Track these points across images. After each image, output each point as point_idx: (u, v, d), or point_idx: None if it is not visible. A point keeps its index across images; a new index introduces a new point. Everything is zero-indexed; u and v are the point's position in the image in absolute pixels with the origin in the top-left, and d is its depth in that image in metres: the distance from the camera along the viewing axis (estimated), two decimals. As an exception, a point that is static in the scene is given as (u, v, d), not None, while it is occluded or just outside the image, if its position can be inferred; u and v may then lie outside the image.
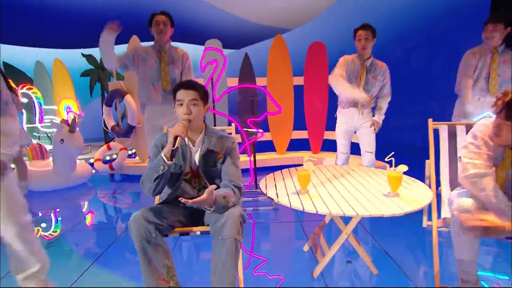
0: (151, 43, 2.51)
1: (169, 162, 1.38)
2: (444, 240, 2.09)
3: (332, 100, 4.08)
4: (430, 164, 1.81)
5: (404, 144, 5.04)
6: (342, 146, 2.62)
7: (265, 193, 1.60)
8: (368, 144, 2.52)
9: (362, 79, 2.42)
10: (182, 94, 1.49)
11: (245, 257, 1.92)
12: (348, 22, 4.45)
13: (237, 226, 1.31)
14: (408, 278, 1.69)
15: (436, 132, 1.84)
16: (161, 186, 1.43)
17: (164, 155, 1.38)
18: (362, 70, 2.43)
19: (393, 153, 1.52)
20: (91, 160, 4.12)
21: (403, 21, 4.97)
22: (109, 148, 4.09)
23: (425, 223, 1.94)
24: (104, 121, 4.18)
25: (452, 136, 1.86)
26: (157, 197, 1.79)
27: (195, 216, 1.55)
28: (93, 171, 3.94)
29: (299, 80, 4.09)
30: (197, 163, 1.54)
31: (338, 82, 2.40)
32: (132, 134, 4.00)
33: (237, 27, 6.00)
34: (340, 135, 2.63)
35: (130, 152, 4.49)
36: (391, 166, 1.52)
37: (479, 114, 2.56)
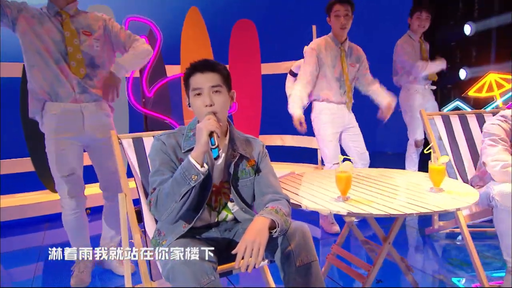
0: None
1: (202, 169, 1.39)
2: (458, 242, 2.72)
3: (268, 96, 4.51)
4: (436, 158, 2.36)
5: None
6: (331, 156, 2.88)
7: (301, 204, 1.74)
8: (360, 147, 2.95)
9: (345, 68, 2.84)
10: (198, 80, 1.52)
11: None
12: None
13: (312, 243, 1.44)
14: (447, 283, 2.16)
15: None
16: (186, 205, 1.43)
17: (195, 160, 1.38)
18: (342, 56, 2.84)
19: (431, 144, 1.96)
20: None
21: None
22: None
23: (436, 224, 2.51)
24: None
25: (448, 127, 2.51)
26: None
27: (222, 249, 1.54)
28: None
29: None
30: (221, 173, 1.58)
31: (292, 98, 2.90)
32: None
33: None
34: (327, 140, 2.90)
35: None
36: (430, 159, 1.94)
37: (426, 107, 3.45)
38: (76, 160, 2.25)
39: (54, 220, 3.41)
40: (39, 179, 3.61)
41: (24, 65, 2.59)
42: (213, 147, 1.39)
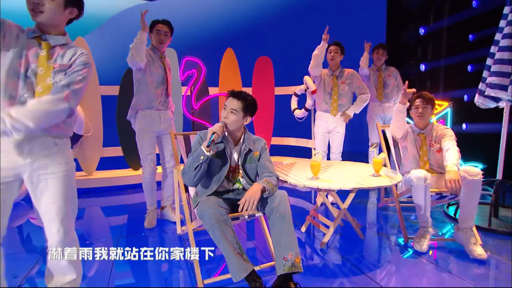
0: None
1: (207, 154, 1.63)
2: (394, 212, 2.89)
3: (279, 110, 4.74)
4: (385, 155, 2.56)
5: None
6: (318, 147, 3.11)
7: (287, 181, 2.00)
8: (336, 147, 3.08)
9: (335, 86, 3.04)
10: (229, 101, 1.75)
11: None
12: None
13: (288, 203, 1.67)
14: (383, 237, 2.36)
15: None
16: (199, 175, 1.67)
17: (204, 148, 1.64)
18: (333, 77, 3.05)
19: (375, 144, 2.17)
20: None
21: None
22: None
23: (382, 199, 2.69)
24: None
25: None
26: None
27: (234, 205, 1.81)
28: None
29: (247, 91, 4.57)
30: (236, 160, 1.83)
31: None
32: (77, 144, 3.66)
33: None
34: (317, 136, 3.14)
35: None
36: (373, 154, 2.16)
37: (385, 118, 3.58)
38: (154, 145, 2.54)
39: (134, 188, 3.71)
40: (126, 161, 3.91)
41: (120, 87, 2.90)
42: (209, 140, 1.62)
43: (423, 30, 4.87)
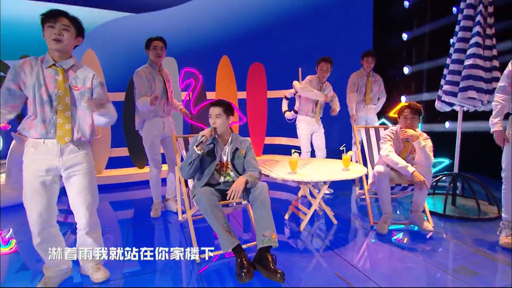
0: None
1: (198, 152, 2.04)
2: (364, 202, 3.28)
3: (271, 112, 5.16)
4: (358, 152, 2.98)
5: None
6: (305, 146, 3.48)
7: (270, 175, 2.43)
8: (321, 144, 3.48)
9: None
10: (211, 110, 2.16)
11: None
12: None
13: (267, 193, 2.08)
14: (355, 222, 2.78)
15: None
16: (193, 169, 2.08)
17: (195, 147, 2.04)
18: (320, 90, 3.42)
19: (344, 144, 2.59)
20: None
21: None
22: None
23: (357, 191, 3.10)
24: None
25: (367, 134, 3.08)
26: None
27: (225, 195, 2.22)
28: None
29: (242, 95, 4.99)
30: (225, 157, 2.24)
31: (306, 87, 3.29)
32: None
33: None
34: (303, 137, 3.48)
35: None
36: (343, 152, 2.58)
37: (367, 118, 3.93)
38: (159, 147, 2.89)
39: (139, 184, 4.08)
40: (131, 160, 4.27)
41: (126, 93, 3.27)
42: (198, 141, 2.03)
43: (406, 35, 5.26)
